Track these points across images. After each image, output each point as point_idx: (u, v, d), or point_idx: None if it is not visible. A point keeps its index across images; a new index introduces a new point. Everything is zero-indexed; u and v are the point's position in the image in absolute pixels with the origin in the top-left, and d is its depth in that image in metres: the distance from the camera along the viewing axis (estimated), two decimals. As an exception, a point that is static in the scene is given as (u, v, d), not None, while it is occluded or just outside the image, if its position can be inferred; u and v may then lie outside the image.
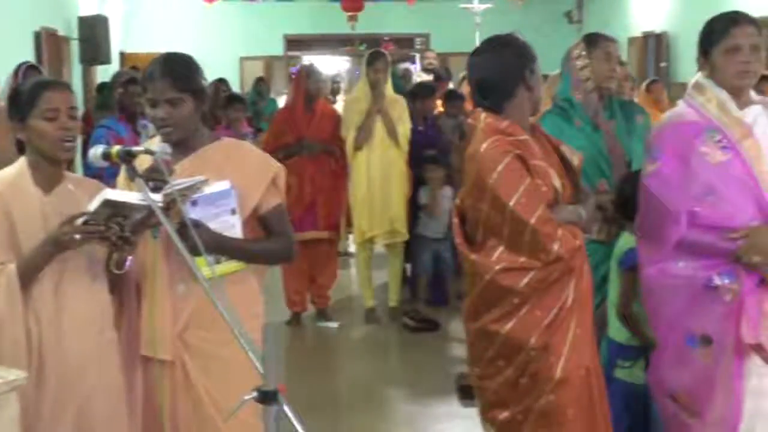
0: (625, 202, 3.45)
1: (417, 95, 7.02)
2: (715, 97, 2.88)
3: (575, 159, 3.05)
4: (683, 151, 2.83)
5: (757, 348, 2.74)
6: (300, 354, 6.19)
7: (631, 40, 15.00)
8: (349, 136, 6.46)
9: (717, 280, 2.77)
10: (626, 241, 3.37)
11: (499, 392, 2.91)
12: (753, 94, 2.95)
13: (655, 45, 14.06)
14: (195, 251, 2.29)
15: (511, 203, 2.76)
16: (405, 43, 17.83)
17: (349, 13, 12.94)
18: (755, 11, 11.45)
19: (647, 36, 14.40)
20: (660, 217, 2.83)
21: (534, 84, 2.93)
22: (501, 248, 2.82)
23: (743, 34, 2.85)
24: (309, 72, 6.62)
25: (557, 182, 2.88)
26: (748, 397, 2.79)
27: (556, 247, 2.73)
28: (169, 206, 2.43)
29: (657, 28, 13.94)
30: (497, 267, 2.81)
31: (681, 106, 2.99)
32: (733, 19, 2.89)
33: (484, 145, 2.84)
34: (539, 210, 2.74)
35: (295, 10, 16.18)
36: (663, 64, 13.30)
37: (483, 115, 2.94)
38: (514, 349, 2.83)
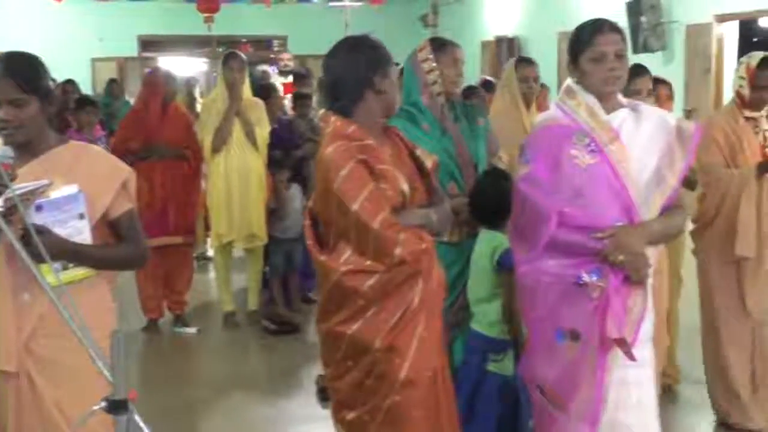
0: (480, 205, 3.52)
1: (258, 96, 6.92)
2: (584, 101, 2.96)
3: (429, 162, 3.09)
4: (554, 153, 2.90)
5: (620, 342, 2.83)
6: (157, 361, 6.07)
7: (484, 44, 15.37)
8: (206, 138, 6.37)
9: (585, 278, 2.83)
10: (486, 240, 3.45)
11: (348, 393, 2.93)
12: (620, 97, 3.05)
13: (507, 49, 14.46)
14: (39, 258, 2.20)
15: (354, 207, 2.77)
16: (263, 45, 17.71)
17: (206, 15, 12.73)
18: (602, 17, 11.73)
19: (500, 40, 14.79)
20: (532, 217, 2.90)
21: (385, 88, 2.94)
22: (349, 251, 2.83)
23: (608, 41, 2.93)
24: (163, 75, 6.49)
25: (405, 186, 2.90)
26: (611, 388, 2.88)
27: (398, 250, 2.76)
28: (10, 212, 2.33)
29: (509, 32, 14.35)
30: (343, 269, 2.82)
31: (552, 109, 3.07)
32: (599, 28, 2.96)
33: (329, 150, 2.86)
34: (382, 214, 2.77)
35: (149, 11, 15.83)
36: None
37: (333, 118, 2.95)
38: (361, 350, 2.85)
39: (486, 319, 3.43)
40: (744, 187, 4.23)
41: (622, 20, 11.60)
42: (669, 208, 2.94)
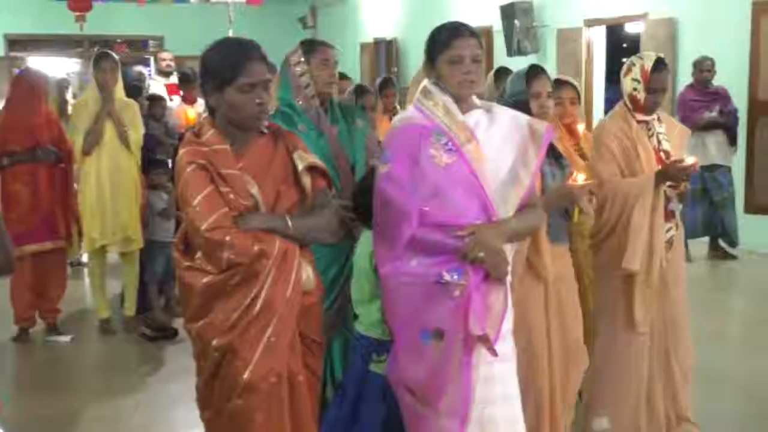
0: (361, 205, 3.52)
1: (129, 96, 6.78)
2: (440, 101, 3.00)
3: (300, 164, 3.05)
4: (413, 152, 2.91)
5: (483, 339, 2.87)
6: (29, 371, 5.86)
7: (363, 46, 15.45)
8: (78, 140, 6.19)
9: (446, 277, 2.85)
10: (367, 241, 3.46)
11: (202, 392, 2.94)
12: (475, 98, 3.09)
13: (386, 50, 14.57)
14: None
15: (188, 210, 2.79)
16: (138, 45, 17.34)
17: (77, 13, 12.34)
18: (476, 22, 12.16)
19: (378, 42, 14.89)
20: (393, 216, 2.91)
21: (248, 90, 2.87)
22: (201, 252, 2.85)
23: (465, 45, 2.97)
24: (40, 75, 6.30)
25: (255, 190, 2.89)
26: (477, 385, 2.92)
27: (226, 254, 2.74)
28: None
29: (387, 34, 14.47)
30: (184, 264, 2.85)
31: (410, 110, 3.09)
32: (457, 31, 3.00)
33: (179, 153, 2.89)
34: (213, 217, 2.76)
35: (16, 8, 15.26)
36: (394, 69, 13.81)
37: (206, 119, 2.96)
38: (204, 349, 2.86)
39: (368, 319, 3.43)
40: (640, 198, 4.00)
41: (496, 23, 11.88)
42: (525, 207, 3.00)
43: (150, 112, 7.24)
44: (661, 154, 4.12)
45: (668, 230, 4.10)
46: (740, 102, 8.74)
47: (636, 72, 4.07)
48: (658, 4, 9.93)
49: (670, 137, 4.19)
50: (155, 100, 7.27)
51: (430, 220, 2.87)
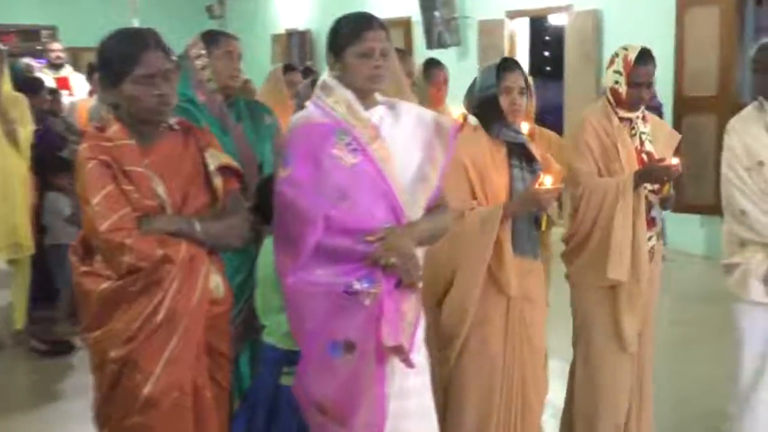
0: (265, 207, 3.47)
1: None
2: (342, 97, 2.96)
3: (211, 163, 2.99)
4: (315, 154, 2.86)
5: (398, 350, 2.85)
6: None
7: (275, 37, 15.35)
8: (-41, 139, 5.99)
9: (356, 285, 2.80)
10: (271, 247, 3.40)
11: (100, 407, 2.87)
12: (377, 94, 3.06)
13: (299, 42, 14.50)
14: None
15: (88, 210, 2.74)
16: (30, 35, 16.90)
17: (-39, 0, 11.96)
18: (394, 13, 12.16)
19: (291, 33, 14.81)
20: (297, 223, 2.85)
21: (147, 81, 2.83)
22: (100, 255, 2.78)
23: (376, 38, 2.94)
24: None
25: (161, 189, 2.84)
26: (391, 399, 2.90)
27: (126, 258, 2.69)
28: None
29: (300, 25, 14.40)
30: (82, 269, 2.79)
31: (309, 107, 3.03)
32: (368, 23, 2.97)
33: (80, 149, 2.83)
34: (113, 218, 2.71)
35: None
36: (309, 62, 13.75)
37: (109, 113, 2.90)
38: (102, 361, 2.79)
39: (279, 330, 3.38)
40: (620, 199, 3.85)
41: (415, 14, 11.92)
42: (433, 207, 2.99)
43: (51, 107, 7.05)
44: (643, 155, 4.00)
45: (649, 239, 3.98)
46: (666, 98, 8.92)
47: (618, 63, 3.94)
48: (582, -4, 10.10)
49: (656, 139, 4.07)
50: (54, 93, 7.07)
51: (337, 225, 2.82)
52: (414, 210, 2.92)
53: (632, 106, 3.97)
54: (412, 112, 3.08)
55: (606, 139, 3.95)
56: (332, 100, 2.96)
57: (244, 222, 3.01)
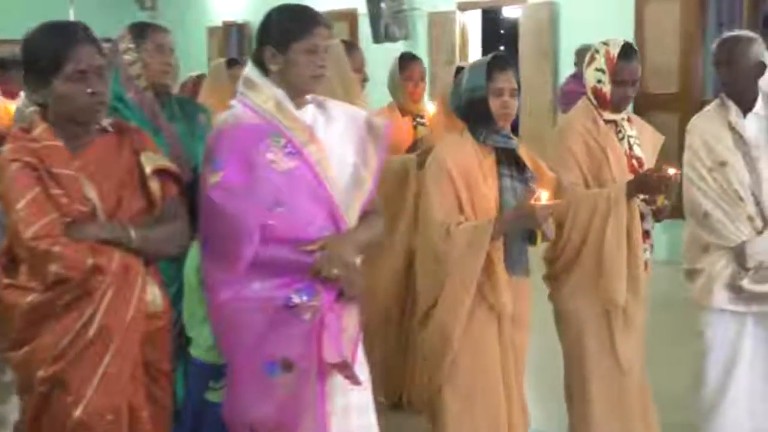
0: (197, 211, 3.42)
1: None
2: (271, 96, 2.92)
3: (148, 166, 2.94)
4: (248, 157, 2.83)
5: (342, 366, 2.84)
6: None
7: (212, 30, 15.25)
8: None
9: (296, 299, 2.80)
10: (196, 253, 3.36)
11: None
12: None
13: (238, 35, 14.40)
14: None
15: (12, 216, 2.68)
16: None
17: None
18: (339, 5, 12.09)
19: (228, 26, 14.72)
20: (230, 233, 2.81)
21: (78, 78, 2.78)
22: (25, 265, 2.72)
23: (323, 35, 2.94)
24: None
25: (92, 193, 2.78)
26: (334, 416, 2.90)
27: (53, 267, 2.64)
28: None
29: (238, 17, 14.31)
30: (5, 281, 2.73)
31: (237, 107, 2.98)
32: (315, 18, 2.96)
33: (2, 150, 2.77)
34: (38, 224, 2.65)
35: None
36: (246, 58, 13.64)
37: (34, 112, 2.86)
38: (28, 382, 2.73)
39: (205, 343, 3.34)
40: (612, 211, 3.70)
41: (361, 6, 11.91)
42: (366, 213, 2.98)
43: None
44: (633, 161, 3.87)
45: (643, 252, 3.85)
46: (626, 95, 8.99)
47: (600, 61, 3.82)
48: (536, -13, 10.16)
49: (642, 143, 3.95)
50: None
51: (274, 234, 2.81)
52: (352, 217, 2.90)
53: (618, 107, 3.85)
54: (342, 111, 3.08)
55: (593, 145, 3.81)
56: (261, 98, 2.93)
57: (183, 229, 2.97)
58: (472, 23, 11.33)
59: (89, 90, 2.77)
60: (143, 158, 2.93)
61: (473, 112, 3.57)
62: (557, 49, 9.80)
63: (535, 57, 10.11)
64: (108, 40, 3.72)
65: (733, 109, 3.84)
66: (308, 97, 3.01)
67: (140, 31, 3.68)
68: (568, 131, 3.88)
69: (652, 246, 3.96)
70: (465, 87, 3.58)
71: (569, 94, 8.73)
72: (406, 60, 5.25)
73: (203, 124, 3.79)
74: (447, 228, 3.46)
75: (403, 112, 5.15)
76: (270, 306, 2.80)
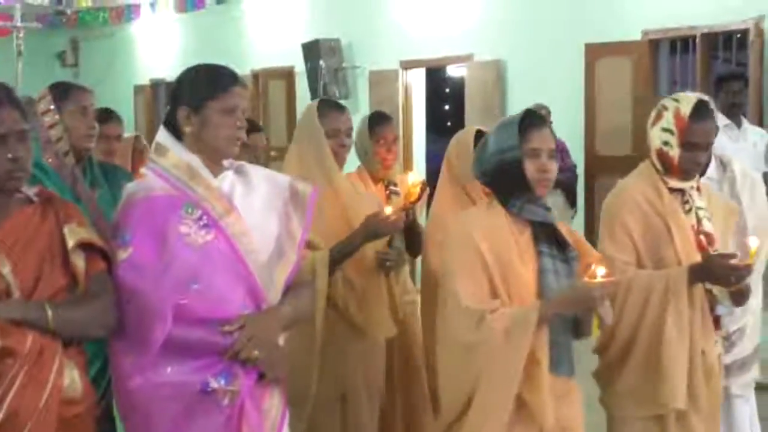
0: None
1: None
2: (183, 162, 2.87)
3: (70, 240, 2.88)
4: (159, 230, 2.78)
5: None
6: None
7: (138, 89, 15.25)
8: None
9: (213, 383, 2.76)
10: None
11: None
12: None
13: (166, 94, 14.41)
14: None
15: None
16: None
17: None
18: (275, 62, 12.00)
19: (156, 84, 14.72)
20: (140, 315, 2.75)
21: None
22: None
23: (242, 95, 2.92)
24: None
25: (6, 269, 2.70)
26: None
27: None
28: None
29: (166, 75, 14.32)
30: None
31: (148, 175, 2.92)
32: (232, 77, 2.93)
33: None
34: None
35: None
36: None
37: None
38: None
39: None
40: (671, 300, 3.31)
41: (299, 64, 11.97)
42: (292, 285, 2.94)
43: None
44: (701, 237, 3.48)
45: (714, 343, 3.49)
46: (577, 157, 9.07)
47: (668, 119, 3.45)
48: (482, 45, 10.27)
49: (713, 215, 3.55)
50: None
51: (188, 314, 2.75)
52: (274, 291, 2.89)
53: (687, 174, 3.48)
54: (262, 176, 3.03)
55: (654, 218, 3.45)
56: (171, 164, 2.88)
57: (107, 308, 2.85)
58: (416, 82, 11.43)
59: (9, 155, 2.71)
60: (66, 231, 2.85)
61: (504, 179, 3.17)
62: (505, 108, 9.88)
63: (481, 116, 10.14)
64: (29, 100, 3.68)
65: None
66: (226, 162, 2.95)
67: (62, 92, 3.66)
68: (622, 200, 3.53)
69: (724, 337, 3.62)
70: (493, 149, 3.19)
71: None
72: (377, 120, 4.74)
73: None
74: (480, 315, 3.04)
75: (374, 179, 4.68)
76: (186, 392, 2.75)
